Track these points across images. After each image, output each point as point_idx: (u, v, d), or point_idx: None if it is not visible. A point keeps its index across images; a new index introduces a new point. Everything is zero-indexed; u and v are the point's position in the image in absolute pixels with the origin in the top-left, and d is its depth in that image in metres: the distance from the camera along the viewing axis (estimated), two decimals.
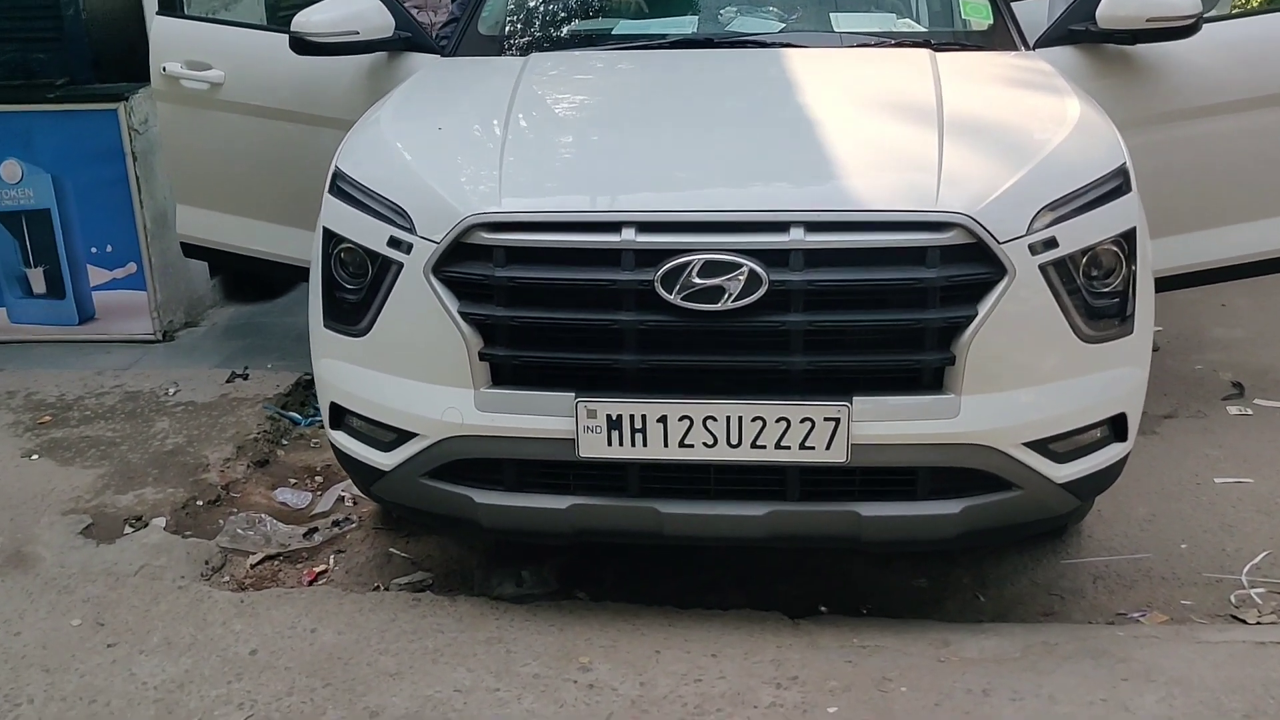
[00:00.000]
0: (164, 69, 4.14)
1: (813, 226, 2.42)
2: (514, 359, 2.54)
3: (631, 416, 2.47)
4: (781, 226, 2.42)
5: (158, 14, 4.23)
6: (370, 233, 2.64)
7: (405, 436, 2.67)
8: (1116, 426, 2.69)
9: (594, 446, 2.50)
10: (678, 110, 2.95)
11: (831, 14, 3.59)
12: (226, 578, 3.10)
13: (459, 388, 2.57)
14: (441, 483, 2.67)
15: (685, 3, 3.82)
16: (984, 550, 3.16)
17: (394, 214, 2.61)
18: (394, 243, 2.59)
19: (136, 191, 4.48)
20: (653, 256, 2.43)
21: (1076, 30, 3.61)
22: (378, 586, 3.05)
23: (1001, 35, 3.52)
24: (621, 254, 2.44)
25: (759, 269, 2.39)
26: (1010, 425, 2.51)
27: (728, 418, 2.46)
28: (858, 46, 3.40)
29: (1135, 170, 3.65)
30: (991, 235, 2.41)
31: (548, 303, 2.50)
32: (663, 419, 2.47)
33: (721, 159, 2.66)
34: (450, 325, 2.52)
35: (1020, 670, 2.54)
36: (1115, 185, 2.64)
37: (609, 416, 2.47)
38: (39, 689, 2.53)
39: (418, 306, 2.56)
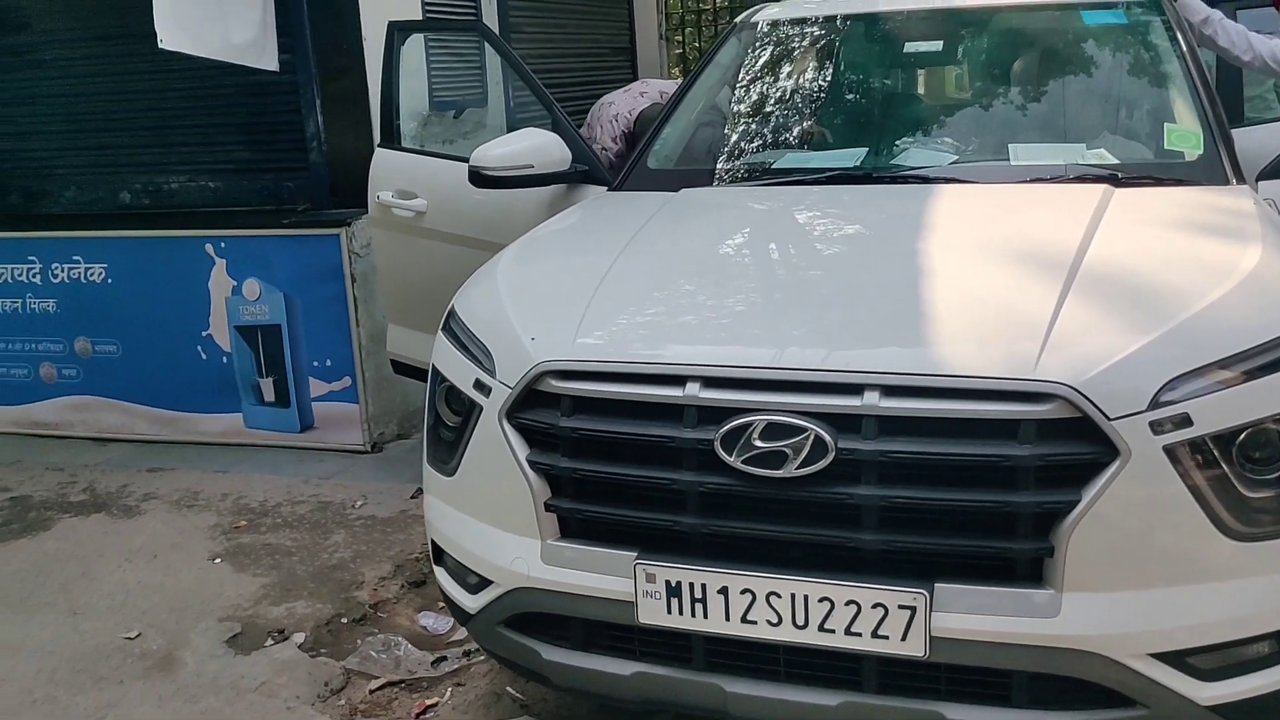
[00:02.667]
0: (378, 197, 4.42)
1: (889, 391, 2.18)
2: (578, 513, 2.43)
3: (691, 585, 2.29)
4: (854, 389, 2.20)
5: (378, 146, 4.53)
6: (462, 373, 2.64)
7: (485, 582, 2.61)
8: None
9: (653, 613, 2.33)
10: (782, 258, 2.79)
11: (1011, 145, 3.31)
12: (343, 700, 3.14)
13: (527, 538, 2.49)
14: (514, 633, 2.59)
15: (865, 134, 3.64)
16: None
17: (482, 355, 2.61)
18: (478, 385, 2.57)
19: (354, 310, 4.77)
20: (716, 414, 2.27)
21: None
22: None
23: (1211, 167, 3.10)
24: (684, 410, 2.30)
25: (825, 434, 2.17)
26: (1128, 632, 2.12)
27: (792, 595, 2.23)
28: (1031, 181, 3.10)
29: None
30: (1100, 410, 2.08)
31: (610, 456, 2.38)
32: (724, 590, 2.27)
33: (809, 313, 2.47)
34: (519, 473, 2.46)
35: None
36: None
37: (668, 583, 2.31)
38: None
39: (492, 451, 2.52)
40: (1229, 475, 2.14)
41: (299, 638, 3.40)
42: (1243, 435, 2.15)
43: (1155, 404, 2.11)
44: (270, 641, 3.38)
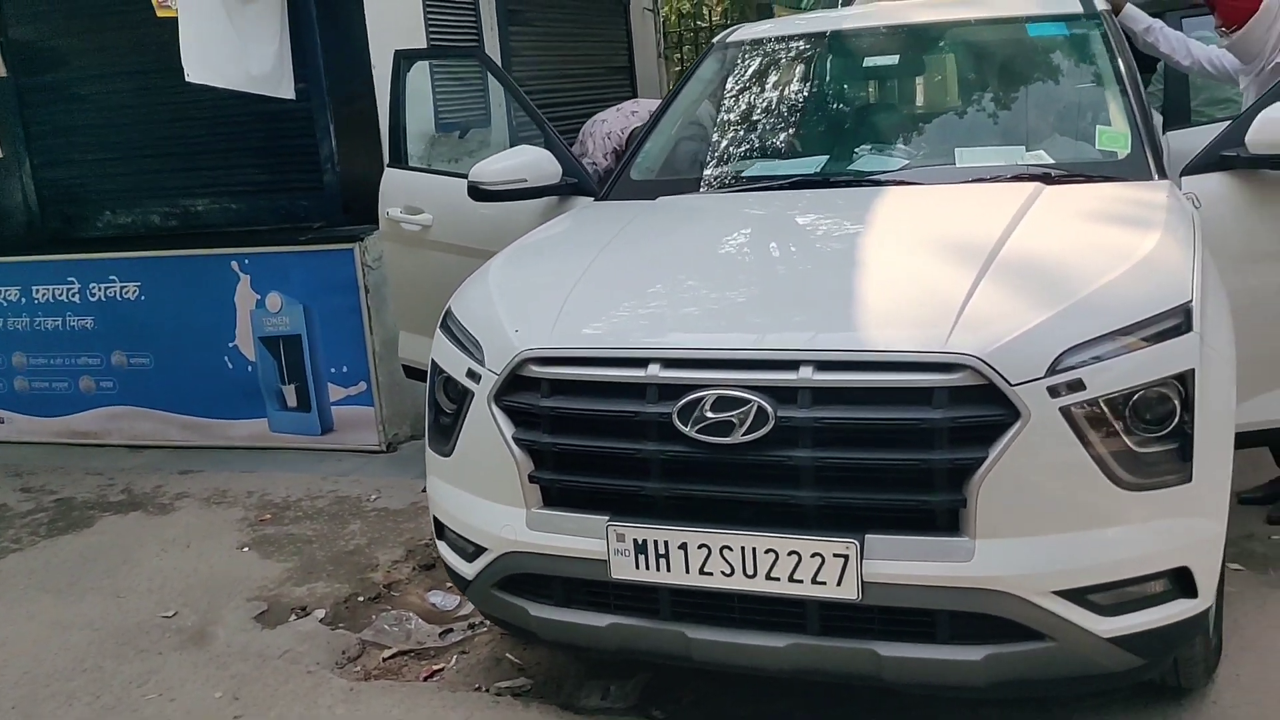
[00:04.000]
0: (388, 213, 4.77)
1: (822, 365, 2.50)
2: (558, 483, 2.76)
3: (656, 542, 2.61)
4: (791, 365, 2.52)
5: (387, 165, 4.88)
6: (457, 364, 2.97)
7: (480, 550, 2.93)
8: (1181, 581, 2.52)
9: (624, 569, 2.66)
10: (737, 253, 3.11)
11: (957, 149, 3.62)
12: (358, 667, 3.47)
13: (515, 507, 2.81)
14: (506, 594, 2.91)
15: (826, 143, 3.96)
16: (1082, 703, 2.99)
17: (474, 348, 2.94)
18: (470, 374, 2.90)
19: (367, 319, 5.13)
20: (674, 391, 2.59)
21: (1229, 156, 3.44)
22: (480, 687, 3.31)
23: (1136, 165, 3.41)
24: (646, 388, 2.62)
25: (767, 405, 2.49)
26: (1033, 572, 2.43)
27: (742, 548, 2.55)
28: (972, 182, 3.41)
29: None
30: (1002, 377, 2.39)
31: (585, 431, 2.71)
32: (683, 546, 2.59)
33: (755, 301, 2.80)
34: (506, 450, 2.78)
35: None
36: (1171, 325, 2.52)
37: (635, 541, 2.63)
38: None
39: (483, 431, 2.85)
40: (1120, 433, 2.45)
41: (319, 614, 3.73)
42: (1133, 398, 2.46)
43: (1052, 371, 2.41)
44: (293, 617, 3.72)
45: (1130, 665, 2.56)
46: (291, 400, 5.34)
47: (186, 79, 4.51)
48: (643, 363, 2.64)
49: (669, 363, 2.62)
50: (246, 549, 4.27)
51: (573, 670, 3.36)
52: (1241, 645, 3.25)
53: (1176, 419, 2.48)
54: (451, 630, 3.69)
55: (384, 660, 3.53)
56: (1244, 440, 3.71)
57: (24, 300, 5.76)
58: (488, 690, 3.29)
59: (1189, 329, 2.53)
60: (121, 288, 5.56)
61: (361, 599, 3.87)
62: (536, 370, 2.76)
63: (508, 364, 2.78)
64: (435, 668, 3.45)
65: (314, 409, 5.30)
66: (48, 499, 5.01)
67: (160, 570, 4.11)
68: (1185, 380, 2.49)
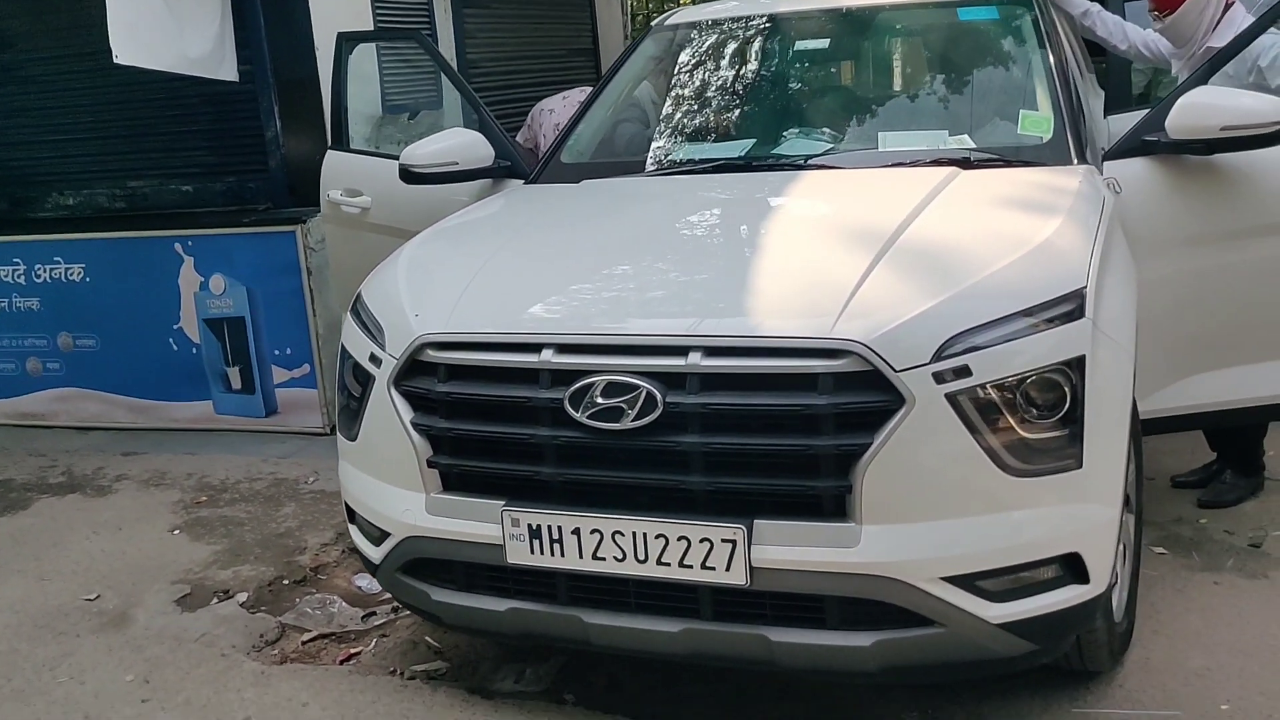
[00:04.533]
0: (329, 196, 4.75)
1: (711, 351, 2.49)
2: (455, 468, 2.75)
3: (549, 527, 2.61)
4: (680, 350, 2.51)
5: (330, 148, 4.85)
6: (361, 349, 2.96)
7: (384, 535, 2.93)
8: (1072, 567, 2.52)
9: (519, 554, 2.65)
10: (641, 239, 3.09)
11: (881, 133, 3.61)
12: (275, 650, 3.46)
13: (415, 492, 2.80)
14: (410, 578, 2.91)
15: (754, 126, 3.94)
16: (989, 687, 3.00)
17: (377, 332, 2.92)
18: (373, 358, 2.89)
19: (310, 302, 5.11)
20: (566, 376, 2.58)
21: (1150, 141, 3.43)
22: (394, 670, 3.31)
23: (1057, 149, 3.39)
24: (539, 373, 2.61)
25: (656, 390, 2.48)
26: (920, 558, 2.42)
27: (633, 533, 2.54)
28: (892, 166, 3.40)
29: (1219, 290, 3.43)
30: (887, 363, 2.38)
31: (480, 417, 2.70)
32: (576, 531, 2.59)
33: (649, 286, 2.79)
34: (404, 434, 2.77)
35: None
36: (1063, 311, 2.51)
37: (530, 526, 2.62)
38: None
39: (384, 416, 2.83)
40: (1008, 419, 2.44)
41: (242, 597, 3.73)
42: (1022, 384, 2.45)
43: (938, 357, 2.40)
44: (215, 600, 3.72)
45: (1023, 650, 2.56)
46: (236, 382, 5.33)
47: (115, 60, 4.47)
48: (536, 348, 2.63)
49: (561, 348, 2.61)
50: (178, 531, 4.26)
51: (490, 654, 3.36)
52: (1155, 629, 3.26)
53: (1067, 405, 2.47)
54: (374, 614, 3.69)
55: (303, 644, 3.52)
56: (1176, 424, 3.74)
57: None
58: (401, 674, 3.28)
59: (1081, 315, 2.52)
60: (67, 269, 5.54)
61: (287, 582, 3.86)
62: (434, 355, 2.75)
63: (406, 348, 2.77)
64: (353, 651, 3.45)
65: (258, 391, 5.29)
66: None
67: (88, 553, 4.10)
68: (1076, 366, 2.48)
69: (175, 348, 5.41)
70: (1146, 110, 3.54)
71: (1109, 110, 4.59)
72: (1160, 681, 3.02)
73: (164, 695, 3.11)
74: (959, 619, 2.46)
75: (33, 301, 5.65)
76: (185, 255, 5.30)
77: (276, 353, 5.24)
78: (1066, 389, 2.47)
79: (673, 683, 3.14)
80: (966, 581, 2.45)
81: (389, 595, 3.78)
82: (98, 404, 5.61)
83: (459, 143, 4.12)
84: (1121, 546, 2.84)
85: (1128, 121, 3.82)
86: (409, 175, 4.07)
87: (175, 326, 5.39)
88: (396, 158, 4.48)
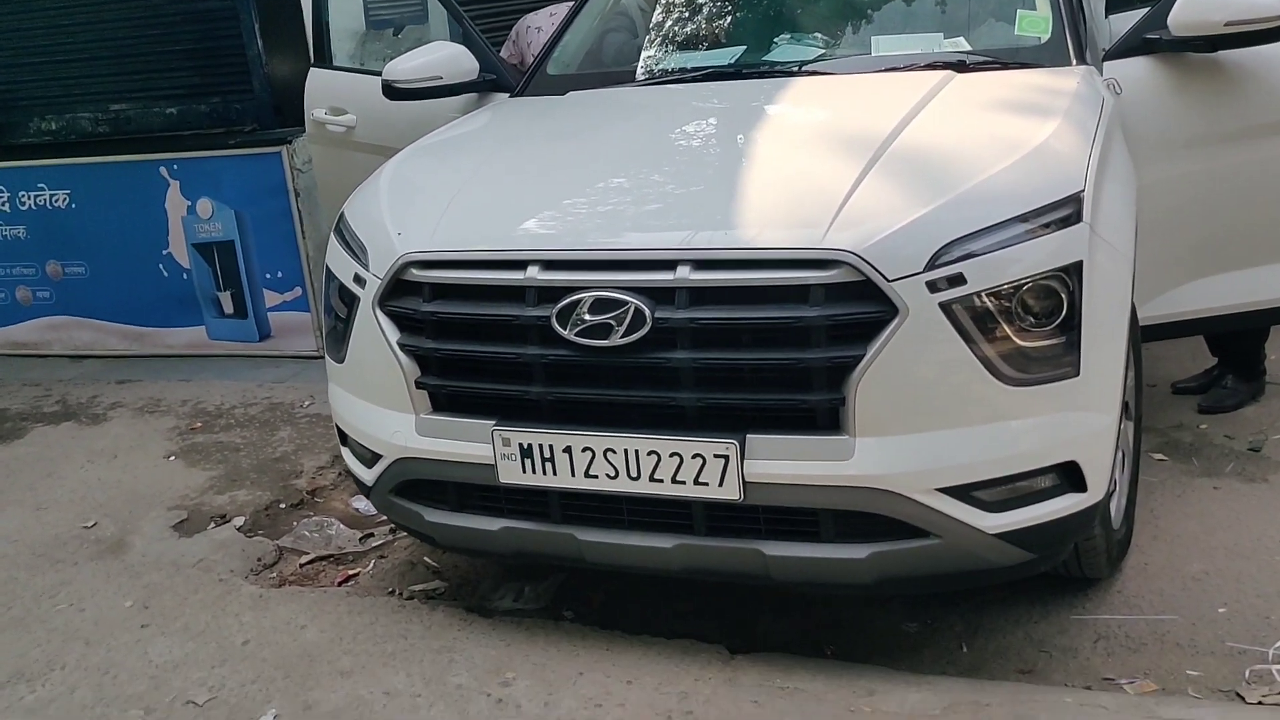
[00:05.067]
0: (313, 115, 4.65)
1: (700, 265, 2.43)
2: (444, 388, 2.71)
3: (540, 446, 2.58)
4: (668, 265, 2.45)
5: (312, 66, 4.74)
6: (346, 269, 2.90)
7: (376, 456, 2.90)
8: (1069, 475, 2.49)
9: (511, 473, 2.63)
10: (627, 151, 3.01)
11: (874, 37, 3.50)
12: (274, 573, 3.47)
13: (404, 413, 2.77)
14: (402, 500, 2.89)
15: (744, 34, 3.83)
16: (987, 596, 3.00)
17: (360, 252, 2.86)
18: (357, 278, 2.84)
19: (299, 224, 5.04)
20: (554, 293, 2.53)
21: (1151, 39, 3.33)
22: (392, 591, 3.31)
23: (1055, 50, 3.29)
24: (526, 291, 2.56)
25: (644, 306, 2.43)
26: (915, 469, 2.39)
27: (625, 450, 2.51)
28: (885, 71, 3.30)
29: (1221, 192, 3.36)
30: (880, 272, 2.32)
31: (467, 336, 2.66)
32: (568, 449, 2.56)
33: (636, 199, 2.72)
34: (391, 356, 2.73)
35: None
36: (1060, 215, 2.45)
37: (521, 445, 2.59)
38: (73, 658, 2.96)
39: (370, 337, 2.79)
40: (1004, 327, 2.39)
41: (239, 521, 3.72)
42: (1018, 291, 2.39)
43: (931, 265, 2.35)
44: (212, 525, 3.71)
45: (1020, 560, 2.55)
46: (228, 307, 5.28)
47: None
48: (521, 265, 2.58)
49: (548, 264, 2.55)
50: (173, 458, 4.25)
51: (488, 573, 3.36)
52: (1154, 534, 3.25)
53: (1064, 313, 2.42)
54: (372, 535, 3.69)
55: (301, 566, 3.53)
56: (1177, 330, 3.70)
57: None
58: (400, 594, 3.29)
59: (1079, 220, 2.46)
60: (52, 196, 5.45)
61: (284, 506, 3.86)
62: (418, 274, 2.69)
63: (390, 268, 2.72)
64: (350, 572, 3.46)
65: (251, 315, 5.24)
66: None
67: (84, 481, 4.09)
68: (1073, 273, 2.43)
69: (165, 274, 5.34)
70: (1148, 9, 3.45)
71: (1110, 9, 4.47)
72: (1158, 587, 3.02)
73: (163, 620, 3.11)
74: (955, 530, 2.44)
75: (18, 229, 5.57)
76: (171, 179, 5.21)
77: (267, 276, 5.17)
78: (1064, 296, 2.42)
79: (668, 600, 3.14)
80: (962, 492, 2.43)
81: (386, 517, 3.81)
82: (90, 332, 5.57)
83: (442, 56, 4.02)
84: (1120, 454, 2.82)
85: (1130, 21, 3.72)
86: (392, 91, 3.98)
87: (164, 252, 5.32)
88: (380, 73, 4.41)
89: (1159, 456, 3.72)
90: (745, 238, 2.45)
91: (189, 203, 5.20)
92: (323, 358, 5.12)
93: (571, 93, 3.58)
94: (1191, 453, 3.74)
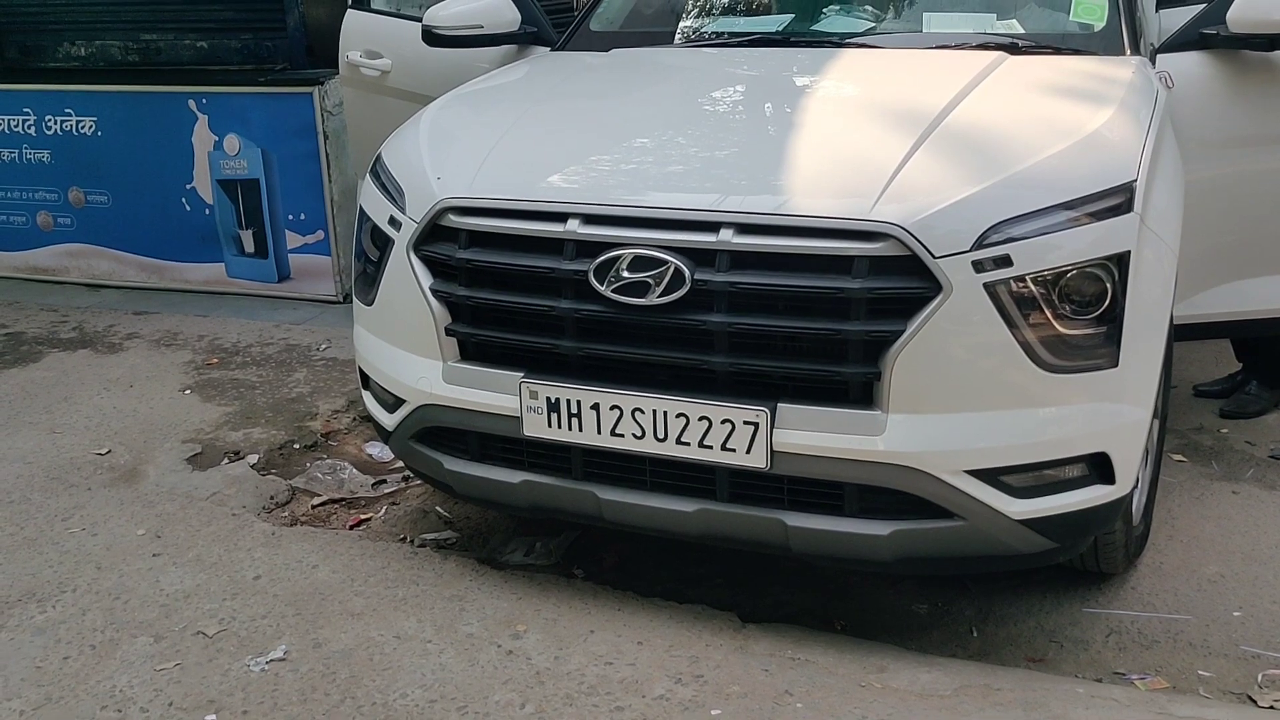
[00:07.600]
0: (348, 57, 4.61)
1: (743, 229, 2.41)
2: (474, 337, 2.69)
3: (568, 401, 2.56)
4: (712, 226, 2.43)
5: (349, 7, 4.70)
6: (381, 211, 2.88)
7: (399, 402, 2.89)
8: (1098, 466, 2.48)
9: (536, 426, 2.61)
10: (674, 112, 2.98)
11: (926, 14, 3.46)
12: (285, 513, 3.46)
13: (431, 360, 2.76)
14: (423, 447, 2.88)
15: (793, 3, 3.78)
16: (1000, 583, 3.00)
17: (397, 195, 2.84)
18: (392, 221, 2.81)
19: (326, 167, 5.00)
20: (593, 248, 2.50)
21: (1208, 34, 3.29)
22: (404, 538, 3.30)
23: (1109, 39, 3.25)
24: (564, 244, 2.54)
25: (684, 267, 2.41)
26: (945, 450, 2.38)
27: (654, 411, 2.50)
28: (936, 48, 3.26)
29: (1268, 195, 3.33)
30: (926, 248, 2.30)
31: (501, 285, 2.63)
32: (595, 406, 2.54)
33: (682, 158, 2.69)
34: (423, 301, 2.71)
35: (938, 708, 2.41)
36: (1111, 204, 2.42)
37: (549, 399, 2.58)
38: (85, 581, 2.96)
39: (402, 281, 2.77)
40: (1046, 312, 2.36)
41: (252, 459, 3.72)
42: (1063, 277, 2.37)
43: (979, 245, 2.32)
44: (226, 461, 3.70)
45: (1041, 548, 2.53)
46: (249, 246, 5.25)
47: None
48: (562, 217, 2.55)
49: (588, 218, 2.53)
50: (189, 392, 4.23)
51: (500, 527, 3.36)
52: (1171, 535, 3.24)
53: (1107, 302, 2.40)
54: (385, 481, 3.68)
55: (313, 508, 3.52)
56: (1207, 331, 3.67)
57: None
58: (411, 541, 3.28)
59: (1129, 209, 2.44)
60: (78, 122, 5.41)
61: (298, 446, 3.85)
62: (456, 220, 2.67)
63: (427, 212, 2.69)
64: (363, 517, 3.45)
65: (271, 256, 5.22)
66: None
67: (100, 408, 4.08)
68: (1120, 262, 2.40)
69: (188, 208, 5.31)
70: (1201, 6, 3.40)
71: (1160, 4, 4.42)
72: (1172, 586, 3.01)
73: (175, 551, 3.10)
74: (980, 513, 2.42)
75: (43, 154, 5.53)
76: (199, 113, 5.17)
77: (290, 218, 5.14)
78: (1108, 285, 2.40)
79: (680, 562, 3.13)
80: (991, 475, 2.41)
81: (400, 464, 3.79)
82: (109, 261, 5.54)
83: (485, 5, 3.96)
84: (1144, 451, 2.80)
85: (1180, 17, 3.67)
86: (431, 37, 3.93)
87: (188, 186, 5.28)
88: (419, 19, 4.36)
89: (1178, 458, 3.70)
90: (790, 205, 2.42)
91: (216, 138, 5.17)
92: (341, 302, 5.19)
93: (615, 50, 3.54)
94: (1212, 456, 3.72)
